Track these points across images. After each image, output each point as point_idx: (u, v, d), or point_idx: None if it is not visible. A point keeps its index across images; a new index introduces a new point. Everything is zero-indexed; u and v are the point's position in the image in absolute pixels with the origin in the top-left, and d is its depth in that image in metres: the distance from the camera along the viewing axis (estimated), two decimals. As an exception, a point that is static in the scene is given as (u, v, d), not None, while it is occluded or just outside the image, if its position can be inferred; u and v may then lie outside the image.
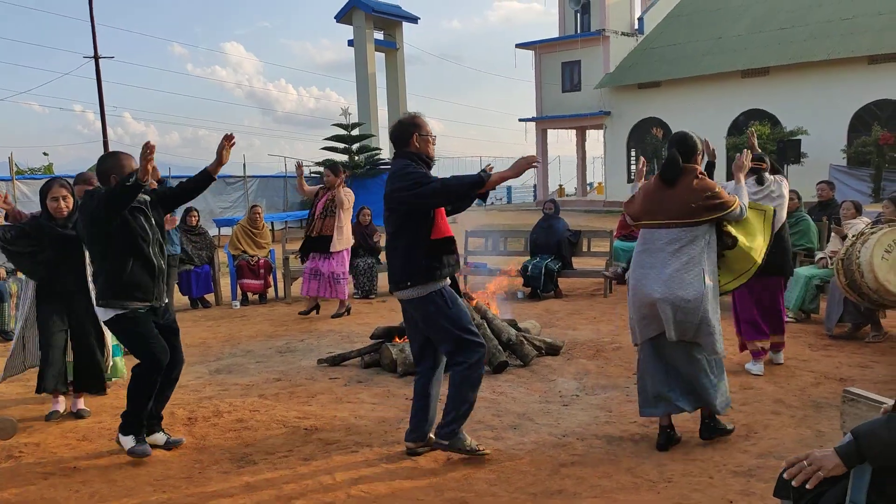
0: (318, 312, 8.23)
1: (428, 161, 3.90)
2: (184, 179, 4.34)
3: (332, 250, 7.91)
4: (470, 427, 4.31)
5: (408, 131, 3.88)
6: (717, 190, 3.90)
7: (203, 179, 4.14)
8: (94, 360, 4.67)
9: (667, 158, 3.98)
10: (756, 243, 4.11)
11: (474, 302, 6.30)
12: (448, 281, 3.90)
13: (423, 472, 3.72)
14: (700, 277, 3.84)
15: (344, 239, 8.05)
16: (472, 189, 3.73)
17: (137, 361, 3.94)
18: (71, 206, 4.55)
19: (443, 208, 3.89)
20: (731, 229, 4.01)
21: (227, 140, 4.06)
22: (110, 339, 5.17)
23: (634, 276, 4.01)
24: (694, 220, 3.85)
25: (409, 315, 3.97)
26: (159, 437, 4.12)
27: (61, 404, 4.77)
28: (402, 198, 3.75)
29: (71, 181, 4.82)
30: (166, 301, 4.13)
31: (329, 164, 8.23)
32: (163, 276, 4.01)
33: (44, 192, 4.54)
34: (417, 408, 3.99)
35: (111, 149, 23.56)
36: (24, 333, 4.75)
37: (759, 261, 4.07)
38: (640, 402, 4.06)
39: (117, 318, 3.89)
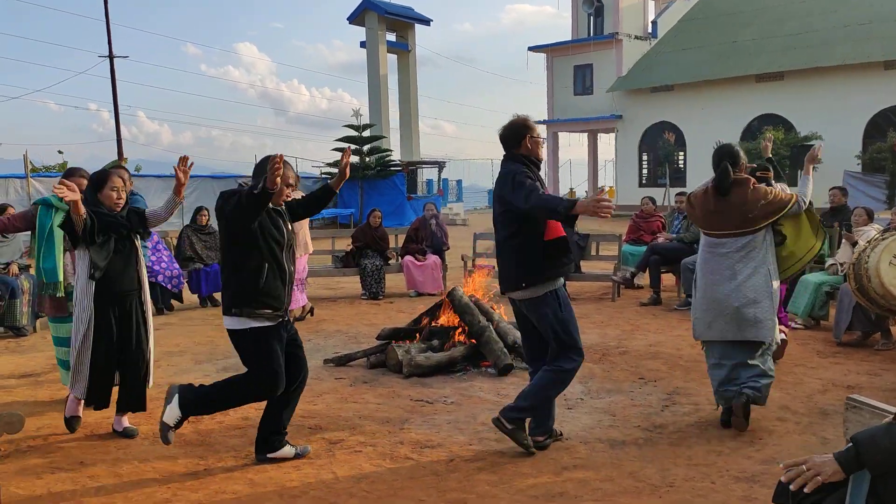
0: (312, 314, 8.20)
1: (537, 162, 3.99)
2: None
3: None
4: (474, 429, 4.33)
5: (520, 133, 3.94)
6: (770, 196, 4.22)
7: (325, 194, 4.18)
8: (139, 377, 4.35)
9: (720, 171, 4.29)
10: (803, 236, 4.40)
11: (485, 300, 6.33)
12: (562, 281, 3.95)
13: (426, 473, 3.73)
14: (767, 280, 4.20)
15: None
16: (551, 216, 3.76)
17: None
18: (125, 199, 4.30)
19: None
20: (783, 227, 4.31)
21: (347, 156, 4.17)
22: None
23: (705, 280, 4.36)
24: (754, 227, 4.21)
25: (522, 314, 4.03)
26: (287, 451, 3.92)
27: (81, 408, 4.48)
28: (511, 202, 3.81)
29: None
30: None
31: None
32: (292, 283, 3.86)
33: (101, 182, 4.20)
34: None
35: (125, 147, 23.80)
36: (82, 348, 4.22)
37: (817, 244, 4.40)
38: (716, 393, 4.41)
39: (246, 332, 3.69)
